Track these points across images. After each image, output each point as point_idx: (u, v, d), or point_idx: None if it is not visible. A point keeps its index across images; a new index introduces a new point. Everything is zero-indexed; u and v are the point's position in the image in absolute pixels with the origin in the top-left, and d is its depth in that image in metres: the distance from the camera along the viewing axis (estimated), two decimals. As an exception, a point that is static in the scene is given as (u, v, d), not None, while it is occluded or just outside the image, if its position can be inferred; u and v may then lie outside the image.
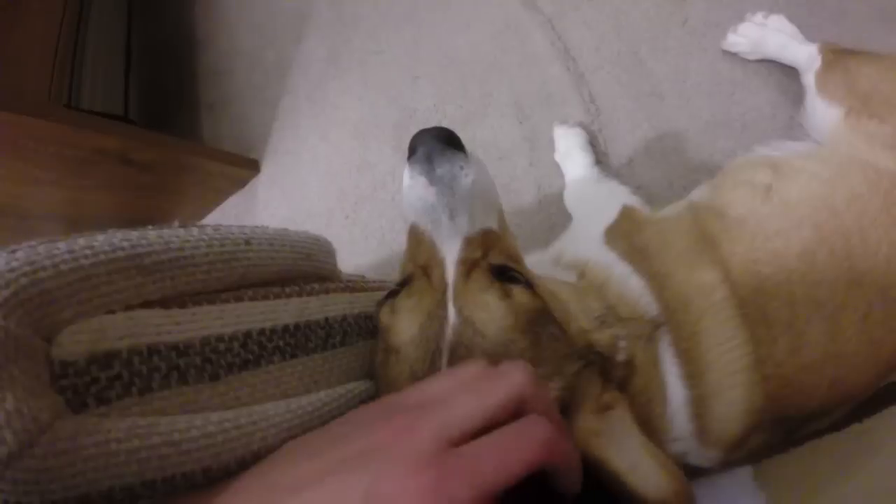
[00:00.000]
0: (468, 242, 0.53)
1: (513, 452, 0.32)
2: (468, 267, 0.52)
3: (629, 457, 0.44)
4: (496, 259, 0.54)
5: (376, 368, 0.55)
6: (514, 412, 0.35)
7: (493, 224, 0.57)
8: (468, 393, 0.36)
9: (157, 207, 1.53)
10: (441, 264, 0.52)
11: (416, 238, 0.55)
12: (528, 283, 0.52)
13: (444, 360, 0.47)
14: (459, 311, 0.49)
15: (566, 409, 0.47)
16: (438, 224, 0.53)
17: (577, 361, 0.50)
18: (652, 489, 0.42)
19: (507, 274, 0.52)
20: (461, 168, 0.54)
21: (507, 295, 0.49)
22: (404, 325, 0.51)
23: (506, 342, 0.47)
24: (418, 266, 0.54)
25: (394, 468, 0.31)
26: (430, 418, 0.34)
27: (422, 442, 0.32)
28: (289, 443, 0.42)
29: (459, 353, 0.47)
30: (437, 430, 0.33)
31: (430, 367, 0.47)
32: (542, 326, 0.50)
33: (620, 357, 0.56)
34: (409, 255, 0.57)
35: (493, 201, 0.58)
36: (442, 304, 0.50)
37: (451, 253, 0.52)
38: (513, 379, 0.37)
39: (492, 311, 0.48)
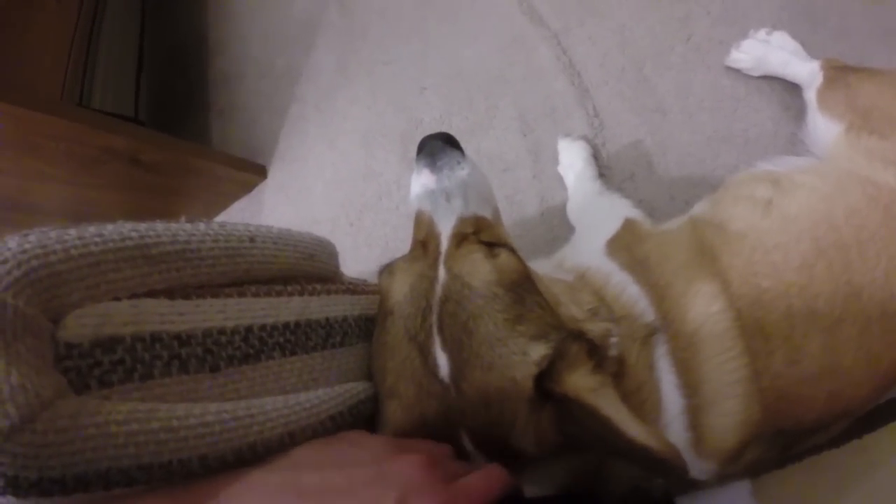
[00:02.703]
0: (462, 221, 0.60)
1: (490, 487, 0.44)
2: (460, 239, 0.58)
3: (628, 422, 0.45)
4: (486, 238, 0.59)
5: (373, 348, 0.59)
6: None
7: (486, 214, 0.63)
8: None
9: (164, 209, 1.54)
10: (437, 237, 0.59)
11: (419, 220, 0.62)
12: (514, 251, 0.58)
13: (434, 315, 0.52)
14: (448, 270, 0.55)
15: (553, 369, 0.49)
16: (437, 205, 0.61)
17: (565, 334, 0.52)
18: (646, 440, 0.44)
19: (494, 245, 0.58)
20: (458, 162, 0.63)
21: (492, 256, 0.55)
22: (398, 285, 0.56)
23: (491, 295, 0.52)
24: (418, 241, 0.61)
25: (420, 491, 0.40)
26: (438, 461, 0.44)
27: (437, 475, 0.42)
28: (297, 450, 0.44)
29: (448, 309, 0.52)
30: (445, 470, 0.44)
31: (421, 322, 0.52)
32: (526, 291, 0.54)
33: (612, 352, 0.56)
34: (413, 236, 0.63)
35: (488, 196, 0.65)
36: (433, 267, 0.56)
37: (446, 228, 0.59)
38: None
39: (477, 266, 0.54)
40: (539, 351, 0.49)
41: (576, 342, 0.51)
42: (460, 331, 0.50)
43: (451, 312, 0.51)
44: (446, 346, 0.51)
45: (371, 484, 0.40)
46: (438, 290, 0.53)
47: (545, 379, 0.48)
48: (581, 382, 0.48)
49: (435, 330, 0.52)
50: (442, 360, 0.50)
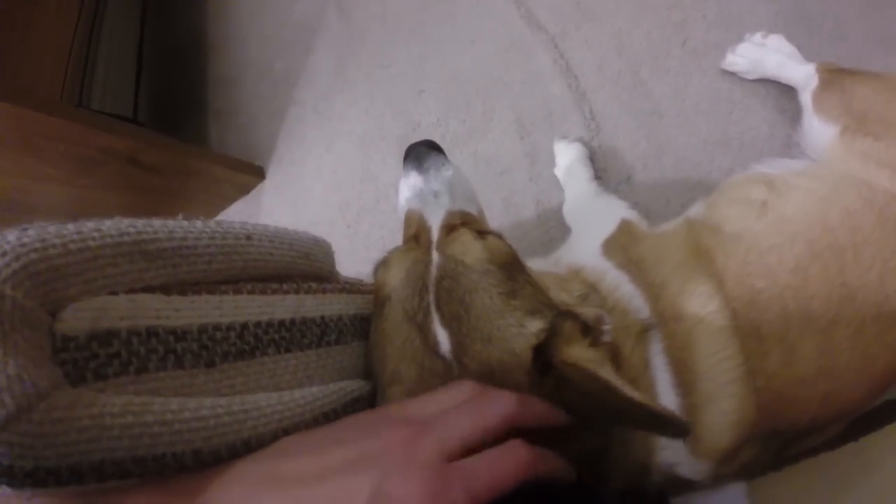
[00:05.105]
0: (450, 214, 0.63)
1: (500, 471, 0.37)
2: (449, 229, 0.61)
3: (628, 387, 0.44)
4: (474, 228, 0.62)
5: (370, 341, 0.59)
6: (503, 432, 0.40)
7: (472, 211, 0.66)
8: (464, 413, 0.41)
9: (162, 210, 1.52)
10: (428, 230, 0.62)
11: (409, 219, 0.65)
12: (501, 236, 0.60)
13: (431, 294, 0.53)
14: (442, 253, 0.58)
15: (550, 342, 0.49)
16: (426, 203, 0.65)
17: (557, 311, 0.53)
18: (647, 400, 0.43)
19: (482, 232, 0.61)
20: (443, 164, 0.68)
21: (482, 238, 0.58)
22: (393, 272, 0.58)
23: (484, 271, 0.54)
24: (410, 236, 0.63)
25: (400, 473, 0.35)
26: (431, 433, 0.38)
27: (425, 453, 0.37)
28: (285, 438, 0.44)
29: (444, 286, 0.54)
30: (438, 443, 0.37)
31: (419, 302, 0.53)
32: (516, 271, 0.56)
33: (605, 337, 0.56)
34: (403, 235, 0.65)
35: (471, 195, 0.69)
36: (427, 253, 0.58)
37: (435, 221, 0.62)
38: (502, 401, 0.42)
39: (469, 246, 0.57)
40: (536, 324, 0.50)
41: (569, 319, 0.51)
42: (458, 305, 0.52)
43: (447, 289, 0.53)
44: (445, 323, 0.51)
45: (347, 468, 0.36)
46: (433, 270, 0.55)
47: (543, 351, 0.49)
48: (580, 353, 0.48)
49: (433, 308, 0.52)
50: (442, 337, 0.51)
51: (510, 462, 0.38)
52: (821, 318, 0.63)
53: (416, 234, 0.63)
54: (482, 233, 0.60)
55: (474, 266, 0.54)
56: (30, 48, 1.29)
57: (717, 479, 0.66)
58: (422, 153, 0.69)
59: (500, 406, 0.41)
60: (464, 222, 0.63)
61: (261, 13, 1.85)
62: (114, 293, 0.39)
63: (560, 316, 0.51)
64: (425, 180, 0.66)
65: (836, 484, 0.73)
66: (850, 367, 0.63)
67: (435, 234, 0.61)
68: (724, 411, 0.61)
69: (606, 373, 0.45)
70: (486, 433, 0.40)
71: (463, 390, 0.45)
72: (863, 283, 0.63)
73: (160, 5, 2.06)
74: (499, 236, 0.61)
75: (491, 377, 0.49)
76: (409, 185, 0.67)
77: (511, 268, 0.56)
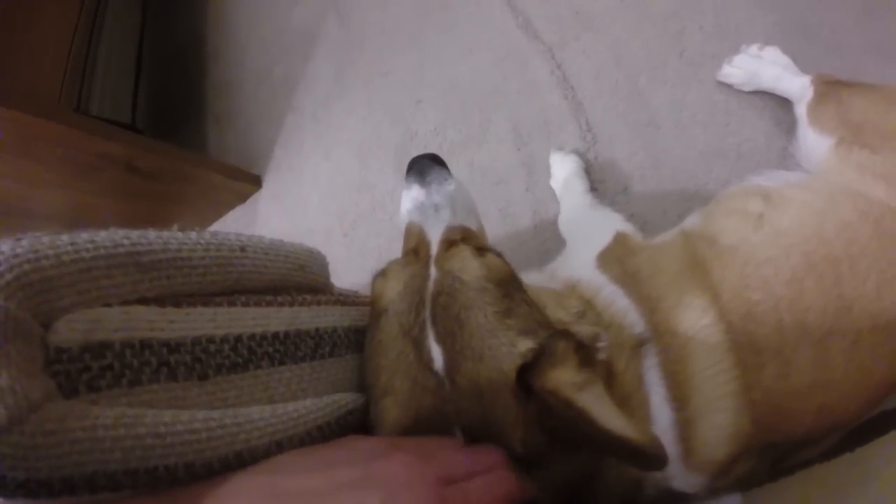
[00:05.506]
0: (450, 229, 0.64)
1: (497, 490, 0.43)
2: (449, 244, 0.62)
3: (606, 415, 0.44)
4: (473, 244, 0.62)
5: (365, 352, 0.59)
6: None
7: (472, 226, 0.67)
8: (458, 451, 0.47)
9: (159, 217, 1.55)
10: (427, 244, 0.63)
11: (409, 231, 0.66)
12: (500, 254, 0.61)
13: (428, 310, 0.53)
14: (440, 268, 0.58)
15: (537, 364, 0.49)
16: (426, 216, 0.65)
17: (552, 331, 0.53)
18: (623, 431, 0.43)
19: (481, 249, 0.61)
20: (445, 178, 0.68)
21: (481, 255, 0.58)
22: (391, 284, 0.58)
23: (481, 288, 0.54)
24: (409, 249, 0.64)
25: (406, 492, 0.39)
26: (433, 460, 0.43)
27: (429, 476, 0.41)
28: (279, 456, 0.44)
29: (440, 302, 0.54)
30: (438, 470, 0.42)
31: (415, 317, 0.53)
32: (514, 289, 0.56)
33: (600, 355, 0.57)
34: (403, 247, 0.66)
35: (473, 210, 0.70)
36: (425, 267, 0.59)
37: (435, 236, 0.63)
38: (490, 453, 0.47)
39: (467, 262, 0.57)
40: (526, 344, 0.50)
41: (563, 340, 0.51)
42: (453, 322, 0.52)
43: (443, 305, 0.53)
44: (440, 339, 0.51)
45: (354, 486, 0.39)
46: (431, 286, 0.56)
47: (528, 373, 0.48)
48: (563, 377, 0.47)
49: (429, 323, 0.53)
50: (436, 353, 0.51)
51: (500, 488, 0.44)
52: (817, 330, 0.62)
53: (415, 247, 0.63)
54: (481, 249, 0.60)
55: (471, 283, 0.54)
56: (29, 51, 1.29)
57: (713, 492, 0.65)
58: (425, 166, 0.69)
59: (489, 454, 0.47)
60: (463, 237, 0.63)
61: (260, 19, 1.86)
62: (108, 305, 0.39)
63: (554, 336, 0.51)
64: (427, 193, 0.67)
65: (832, 495, 0.72)
66: (846, 379, 0.62)
67: (434, 248, 0.61)
68: (719, 425, 0.61)
69: (586, 399, 0.45)
70: (475, 471, 0.44)
71: (454, 439, 0.50)
72: (859, 295, 0.63)
73: (160, 10, 2.07)
74: (498, 254, 0.61)
75: (480, 397, 0.49)
76: (411, 198, 0.67)
77: (508, 286, 0.56)
